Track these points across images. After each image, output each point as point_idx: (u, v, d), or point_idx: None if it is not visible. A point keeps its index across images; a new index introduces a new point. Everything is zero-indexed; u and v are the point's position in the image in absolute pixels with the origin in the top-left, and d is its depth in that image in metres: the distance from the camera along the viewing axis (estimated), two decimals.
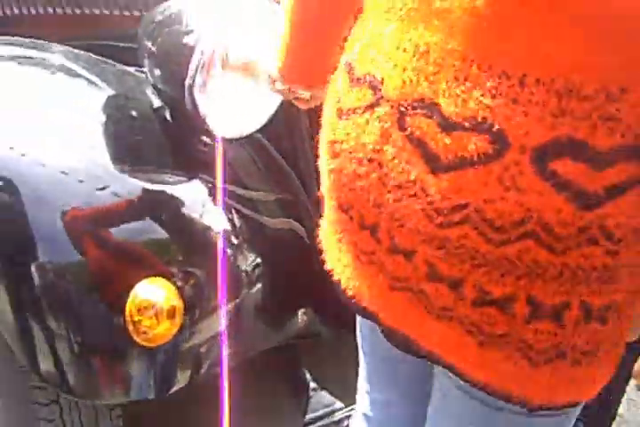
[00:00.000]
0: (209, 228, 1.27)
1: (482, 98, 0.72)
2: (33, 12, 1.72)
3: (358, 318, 1.00)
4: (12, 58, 1.42)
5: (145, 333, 1.09)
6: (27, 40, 1.50)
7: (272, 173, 1.46)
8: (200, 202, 1.30)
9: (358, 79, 0.80)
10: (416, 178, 0.75)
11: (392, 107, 0.76)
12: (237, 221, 1.34)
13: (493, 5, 0.71)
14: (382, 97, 0.77)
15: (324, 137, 0.86)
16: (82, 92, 1.37)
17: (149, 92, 1.39)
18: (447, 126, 0.72)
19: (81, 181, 1.23)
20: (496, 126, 0.71)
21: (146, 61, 1.36)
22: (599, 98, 0.70)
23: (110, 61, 1.50)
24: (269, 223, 1.40)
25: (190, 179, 1.32)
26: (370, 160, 0.78)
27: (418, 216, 0.75)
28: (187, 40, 1.27)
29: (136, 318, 1.10)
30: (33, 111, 1.31)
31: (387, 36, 0.78)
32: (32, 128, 1.28)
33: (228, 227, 1.31)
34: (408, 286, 0.79)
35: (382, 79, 0.78)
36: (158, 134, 1.35)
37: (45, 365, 1.13)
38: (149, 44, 1.35)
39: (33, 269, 1.13)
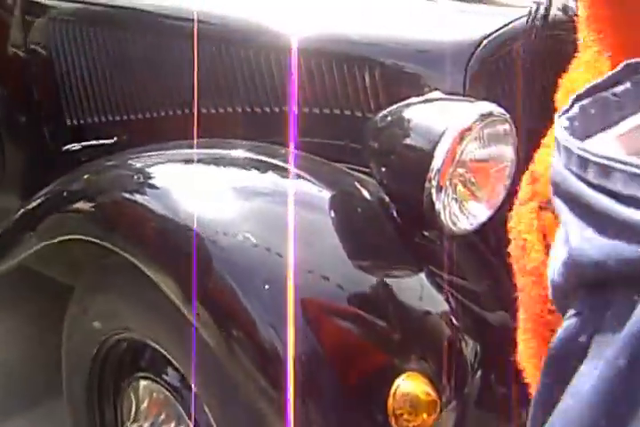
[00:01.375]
0: (435, 314, 1.39)
1: None
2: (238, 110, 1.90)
3: None
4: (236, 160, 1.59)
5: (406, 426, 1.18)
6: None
7: (482, 265, 1.57)
8: (427, 293, 1.42)
9: (531, 174, 0.91)
10: (538, 266, 0.83)
11: (539, 201, 0.86)
12: (458, 310, 1.44)
13: None
14: (535, 192, 0.87)
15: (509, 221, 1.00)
16: (301, 187, 1.52)
17: (371, 189, 1.53)
18: None
19: (310, 271, 1.36)
20: None
21: (373, 161, 1.50)
22: None
23: (317, 157, 1.65)
24: (486, 315, 1.50)
25: (417, 271, 1.44)
26: (521, 246, 0.88)
27: (535, 301, 0.83)
28: (421, 144, 1.41)
29: (398, 412, 1.20)
30: (262, 207, 1.47)
31: (553, 135, 0.88)
32: (262, 221, 1.43)
33: (450, 313, 1.42)
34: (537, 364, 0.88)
35: (540, 175, 0.87)
36: (386, 229, 1.48)
37: None
38: (377, 145, 1.50)
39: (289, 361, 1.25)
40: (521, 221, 0.95)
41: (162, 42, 1.93)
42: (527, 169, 1.02)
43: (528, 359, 0.96)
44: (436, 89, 1.60)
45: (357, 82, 1.70)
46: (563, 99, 0.90)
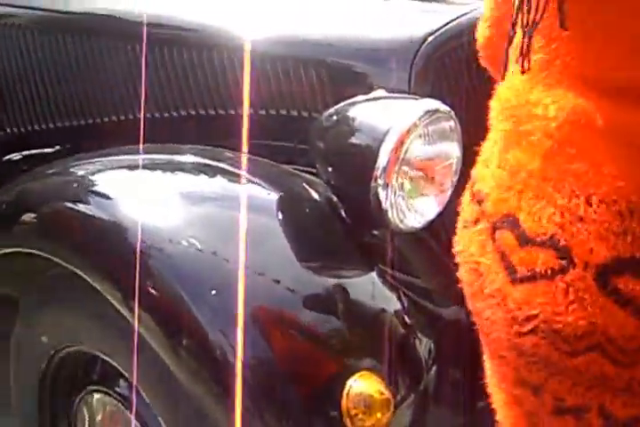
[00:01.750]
0: (387, 313, 1.38)
1: (553, 216, 0.82)
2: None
3: None
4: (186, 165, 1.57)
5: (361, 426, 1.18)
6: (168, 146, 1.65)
7: (433, 261, 1.58)
8: (378, 292, 1.42)
9: (473, 195, 0.93)
10: (500, 287, 0.85)
11: (488, 221, 0.88)
12: (410, 308, 1.45)
13: (561, 129, 0.82)
14: (483, 212, 0.89)
15: (455, 245, 0.97)
16: (249, 191, 1.51)
17: (319, 190, 1.53)
18: (523, 241, 0.83)
19: (261, 274, 1.36)
20: (562, 243, 0.80)
21: (319, 161, 1.50)
22: None
23: (264, 159, 1.65)
24: (439, 312, 1.51)
25: (367, 271, 1.44)
26: (474, 270, 0.90)
27: (501, 324, 0.85)
28: (367, 142, 1.41)
29: (352, 413, 1.19)
30: (209, 212, 1.46)
31: (494, 155, 0.90)
32: (209, 226, 1.42)
33: (403, 311, 1.42)
34: (506, 388, 0.88)
35: (485, 195, 0.89)
36: (335, 229, 1.48)
37: None
38: (323, 145, 1.49)
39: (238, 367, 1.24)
40: (471, 244, 0.92)
41: (105, 45, 1.90)
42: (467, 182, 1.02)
43: (495, 385, 0.95)
44: (381, 87, 1.61)
45: (304, 82, 1.69)
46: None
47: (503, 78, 0.93)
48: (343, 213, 1.47)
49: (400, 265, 1.48)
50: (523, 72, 0.86)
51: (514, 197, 0.85)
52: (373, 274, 1.42)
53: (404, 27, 1.69)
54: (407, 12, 1.78)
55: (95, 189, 1.46)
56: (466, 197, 0.94)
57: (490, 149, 0.91)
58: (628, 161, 0.79)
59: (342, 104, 1.49)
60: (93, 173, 1.51)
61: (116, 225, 1.39)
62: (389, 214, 1.40)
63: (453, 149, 1.48)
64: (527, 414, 0.87)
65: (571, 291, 0.80)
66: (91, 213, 1.43)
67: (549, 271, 0.81)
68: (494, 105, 0.92)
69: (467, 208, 0.92)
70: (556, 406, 0.83)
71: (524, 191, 0.84)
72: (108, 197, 1.44)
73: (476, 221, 0.89)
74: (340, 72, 1.68)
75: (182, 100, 1.80)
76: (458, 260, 0.94)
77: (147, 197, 1.41)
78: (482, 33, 1.04)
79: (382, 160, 1.37)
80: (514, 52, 0.90)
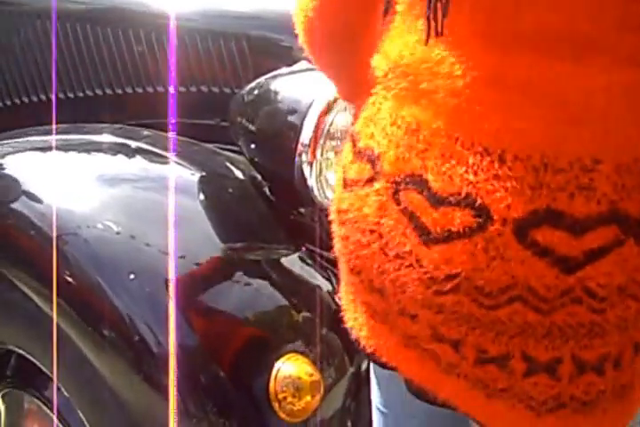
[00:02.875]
0: (315, 293, 1.38)
1: (465, 174, 0.83)
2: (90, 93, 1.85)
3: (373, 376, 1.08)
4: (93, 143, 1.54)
5: (290, 410, 1.17)
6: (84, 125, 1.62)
7: None
8: (306, 272, 1.41)
9: (359, 152, 0.91)
10: (411, 249, 0.85)
11: (387, 181, 0.87)
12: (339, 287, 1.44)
13: (470, 86, 0.82)
14: (379, 172, 0.88)
15: (332, 205, 0.97)
16: (169, 171, 1.49)
17: (242, 168, 1.52)
18: (435, 201, 0.84)
19: (182, 257, 1.34)
20: (479, 201, 0.82)
21: (242, 138, 1.48)
22: (574, 170, 0.82)
23: (184, 138, 1.62)
24: None
25: (294, 250, 1.43)
26: (371, 231, 0.89)
27: (415, 284, 0.86)
28: (289, 117, 1.39)
29: (280, 396, 1.19)
30: (127, 193, 1.43)
31: (384, 112, 0.89)
32: (127, 208, 1.39)
33: (332, 291, 1.41)
34: (418, 344, 0.90)
35: (379, 154, 0.89)
36: (259, 208, 1.46)
37: None
38: (244, 121, 1.47)
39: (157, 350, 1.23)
40: (363, 205, 0.90)
41: (17, 22, 1.87)
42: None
43: (400, 343, 0.96)
44: (304, 59, 1.60)
45: (225, 57, 1.67)
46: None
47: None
48: (268, 192, 1.47)
49: (328, 243, 1.48)
50: (437, 35, 0.83)
51: (417, 156, 0.85)
52: (300, 254, 1.42)
53: None
54: None
55: (5, 172, 1.41)
56: (346, 155, 0.93)
57: (376, 105, 0.90)
58: (540, 114, 0.81)
59: (264, 78, 1.47)
60: (3, 156, 1.47)
61: (29, 210, 1.35)
62: (315, 191, 1.40)
63: None
64: (446, 367, 0.88)
65: (490, 247, 0.81)
66: (1, 198, 1.40)
67: (467, 230, 0.82)
68: (380, 62, 0.91)
69: (351, 166, 0.91)
70: (479, 358, 0.85)
71: (428, 150, 0.84)
72: (19, 181, 1.40)
73: (370, 181, 0.88)
74: (262, 46, 1.66)
75: (99, 78, 1.77)
76: (337, 218, 0.93)
77: (61, 179, 1.38)
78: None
79: (306, 135, 1.36)
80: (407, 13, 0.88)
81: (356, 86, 1.02)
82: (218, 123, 1.70)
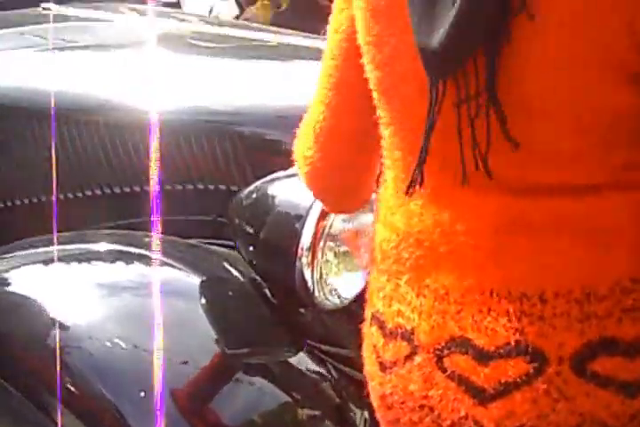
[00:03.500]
0: (319, 388, 1.40)
1: (509, 324, 0.83)
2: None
3: None
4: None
5: None
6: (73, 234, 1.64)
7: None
8: (310, 368, 1.43)
9: (391, 333, 0.91)
10: (467, 413, 0.85)
11: (428, 352, 0.87)
12: (342, 380, 1.46)
13: (494, 237, 0.84)
14: (417, 345, 0.88)
15: (374, 391, 0.96)
16: (169, 277, 1.51)
17: (241, 269, 1.54)
18: (483, 358, 0.84)
19: (184, 362, 1.36)
20: (531, 346, 0.82)
21: (240, 240, 1.51)
22: (615, 294, 0.83)
23: (182, 240, 1.65)
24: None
25: (298, 349, 1.46)
26: (420, 406, 0.88)
27: None
28: (288, 221, 1.43)
29: None
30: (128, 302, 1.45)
31: (404, 286, 0.90)
32: (128, 317, 1.42)
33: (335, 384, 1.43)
34: None
35: (412, 329, 0.89)
36: (260, 310, 1.49)
37: None
38: (243, 224, 1.51)
39: None
40: (409, 383, 0.87)
41: (12, 125, 1.90)
42: None
43: None
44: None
45: (219, 155, 1.72)
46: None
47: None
48: (268, 293, 1.50)
49: (328, 338, 1.51)
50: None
51: (452, 319, 0.85)
52: (303, 352, 1.44)
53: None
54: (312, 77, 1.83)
55: (10, 288, 1.45)
56: (376, 339, 0.92)
57: (392, 282, 0.91)
58: (569, 248, 0.82)
59: (261, 181, 1.51)
60: (7, 271, 1.49)
61: (34, 324, 1.38)
62: (316, 293, 1.43)
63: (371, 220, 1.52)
64: None
65: (552, 390, 0.82)
66: (7, 312, 1.42)
67: (524, 378, 0.82)
68: (386, 234, 0.92)
69: (386, 348, 0.90)
70: None
71: (462, 310, 0.85)
72: (25, 296, 1.42)
73: (409, 357, 0.88)
74: (254, 141, 1.71)
75: (96, 179, 1.79)
76: (381, 404, 0.92)
77: (64, 292, 1.41)
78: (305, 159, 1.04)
79: (306, 239, 1.39)
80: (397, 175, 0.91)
81: (352, 205, 1.09)
82: (214, 219, 1.74)
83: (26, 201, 1.85)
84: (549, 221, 0.83)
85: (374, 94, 0.92)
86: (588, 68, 0.80)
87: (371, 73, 0.91)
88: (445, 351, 0.85)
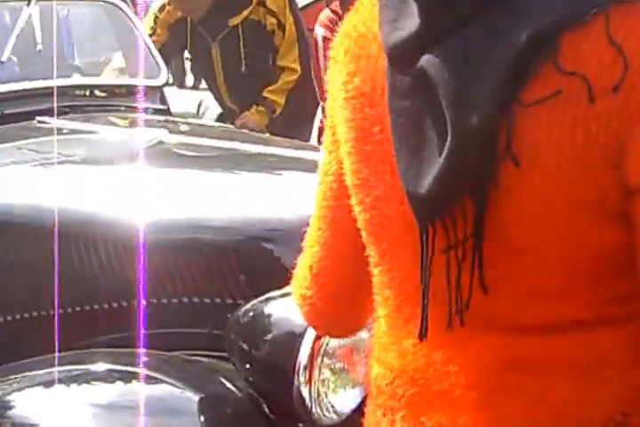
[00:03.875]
0: None
1: None
2: None
3: None
4: None
5: None
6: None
7: None
8: None
9: None
10: None
11: None
12: None
13: (488, 376, 0.84)
14: None
15: None
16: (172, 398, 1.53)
17: (239, 385, 1.57)
18: None
19: None
20: None
21: (237, 357, 1.55)
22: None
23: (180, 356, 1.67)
24: None
25: None
26: None
27: None
28: (285, 340, 1.47)
29: None
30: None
31: (399, 422, 0.90)
32: None
33: None
34: None
35: None
36: (258, 426, 1.52)
37: None
38: (240, 342, 1.55)
39: None
40: None
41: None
42: None
43: None
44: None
45: (213, 269, 1.77)
46: None
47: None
48: (266, 410, 1.53)
49: None
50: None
51: None
52: None
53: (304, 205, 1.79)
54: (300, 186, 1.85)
55: (12, 411, 1.47)
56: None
57: (387, 417, 0.91)
58: (564, 387, 0.84)
59: (258, 300, 1.56)
60: (10, 393, 1.51)
61: None
62: (313, 410, 1.46)
63: (365, 335, 1.56)
64: None
65: None
66: None
67: None
68: (381, 371, 0.93)
69: None
70: None
71: None
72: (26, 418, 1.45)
73: None
74: (250, 257, 1.76)
75: (94, 293, 1.82)
76: None
77: (64, 414, 1.44)
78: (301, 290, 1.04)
79: (303, 357, 1.44)
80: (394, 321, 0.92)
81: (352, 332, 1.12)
82: (210, 331, 1.77)
83: (26, 315, 1.88)
84: (540, 359, 0.85)
85: (363, 234, 0.95)
86: (574, 211, 0.83)
87: (359, 214, 0.94)
88: None
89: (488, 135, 0.80)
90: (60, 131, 2.30)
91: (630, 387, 0.84)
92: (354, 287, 1.01)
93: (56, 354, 1.45)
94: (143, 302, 1.79)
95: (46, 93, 2.36)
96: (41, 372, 1.54)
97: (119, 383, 1.52)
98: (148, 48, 2.79)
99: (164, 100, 2.81)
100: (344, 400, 1.50)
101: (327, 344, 1.47)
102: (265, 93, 3.37)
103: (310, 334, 1.45)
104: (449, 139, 0.80)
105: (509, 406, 0.84)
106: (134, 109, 2.54)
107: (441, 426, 0.86)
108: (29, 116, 2.32)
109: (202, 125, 2.98)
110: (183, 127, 2.68)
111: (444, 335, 0.87)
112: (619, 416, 0.84)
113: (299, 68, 3.41)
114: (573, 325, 0.84)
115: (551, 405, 0.83)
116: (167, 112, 2.81)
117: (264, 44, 3.42)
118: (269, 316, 1.50)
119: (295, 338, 1.46)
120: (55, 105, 2.27)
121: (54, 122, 2.29)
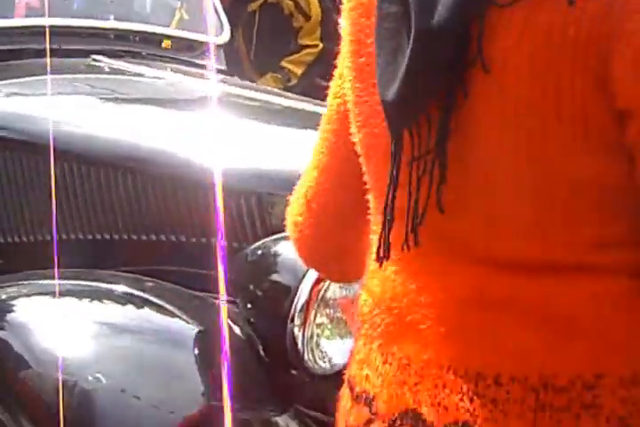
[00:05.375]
0: None
1: (461, 402, 0.81)
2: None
3: None
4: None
5: None
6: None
7: None
8: None
9: (357, 397, 0.91)
10: None
11: (384, 421, 0.87)
12: None
13: (454, 312, 0.82)
14: (375, 413, 0.88)
15: None
16: (169, 325, 1.58)
17: (240, 324, 1.60)
18: None
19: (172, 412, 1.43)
20: None
21: (240, 296, 1.58)
22: (576, 388, 0.79)
23: (188, 291, 1.71)
24: None
25: (284, 410, 1.50)
26: None
27: None
28: (286, 282, 1.50)
29: None
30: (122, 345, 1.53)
31: (375, 351, 0.88)
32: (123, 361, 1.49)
33: None
34: None
35: (374, 396, 0.88)
36: (252, 367, 1.54)
37: None
38: (245, 280, 1.58)
39: None
40: None
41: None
42: None
43: None
44: None
45: (234, 213, 1.80)
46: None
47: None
48: (261, 351, 1.56)
49: (316, 404, 1.55)
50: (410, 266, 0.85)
51: (409, 391, 0.84)
52: (289, 414, 1.48)
53: None
54: None
55: (12, 315, 1.53)
56: (345, 403, 0.93)
57: (367, 346, 0.91)
58: (529, 332, 0.81)
59: (268, 239, 1.59)
60: (13, 298, 1.58)
61: (30, 358, 1.45)
62: (304, 355, 1.48)
63: None
64: None
65: None
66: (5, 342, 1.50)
67: None
68: (366, 299, 0.92)
69: (351, 412, 0.90)
70: None
71: (420, 383, 0.84)
72: (25, 327, 1.51)
73: (367, 424, 0.88)
74: (270, 203, 1.78)
75: (126, 224, 1.86)
76: None
77: (64, 328, 1.48)
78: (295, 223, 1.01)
79: (300, 300, 1.46)
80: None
81: (343, 276, 1.09)
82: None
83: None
84: (511, 301, 0.82)
85: (360, 159, 0.92)
86: (548, 129, 0.78)
87: (355, 137, 0.91)
88: (398, 422, 0.85)
89: (455, 36, 0.77)
90: (114, 71, 2.37)
91: (608, 347, 0.80)
92: (345, 222, 0.99)
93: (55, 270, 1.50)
94: (171, 238, 1.83)
95: (104, 34, 2.45)
96: (47, 282, 1.59)
97: (123, 305, 1.56)
98: (214, 5, 2.84)
99: (221, 60, 2.86)
100: (339, 350, 1.52)
101: (326, 291, 1.49)
102: (283, 63, 3.39)
103: (310, 278, 1.48)
104: (412, 37, 0.77)
105: (474, 345, 0.82)
106: (191, 64, 2.57)
107: (408, 358, 0.85)
108: (85, 54, 2.39)
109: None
110: (241, 83, 2.72)
111: (420, 264, 0.85)
112: (589, 376, 0.79)
113: (320, 44, 3.44)
114: (547, 268, 0.80)
115: (516, 352, 0.80)
116: (224, 71, 2.85)
117: (281, 29, 3.44)
118: (275, 256, 1.52)
119: (296, 281, 1.49)
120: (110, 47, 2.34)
121: (109, 61, 2.36)
